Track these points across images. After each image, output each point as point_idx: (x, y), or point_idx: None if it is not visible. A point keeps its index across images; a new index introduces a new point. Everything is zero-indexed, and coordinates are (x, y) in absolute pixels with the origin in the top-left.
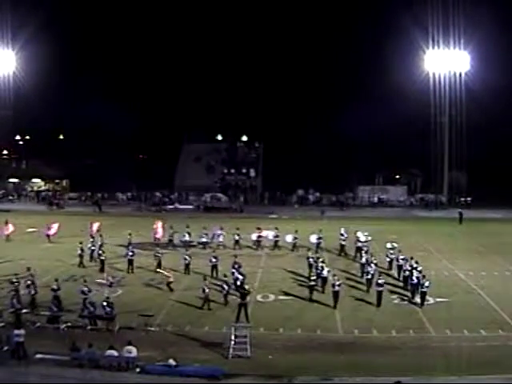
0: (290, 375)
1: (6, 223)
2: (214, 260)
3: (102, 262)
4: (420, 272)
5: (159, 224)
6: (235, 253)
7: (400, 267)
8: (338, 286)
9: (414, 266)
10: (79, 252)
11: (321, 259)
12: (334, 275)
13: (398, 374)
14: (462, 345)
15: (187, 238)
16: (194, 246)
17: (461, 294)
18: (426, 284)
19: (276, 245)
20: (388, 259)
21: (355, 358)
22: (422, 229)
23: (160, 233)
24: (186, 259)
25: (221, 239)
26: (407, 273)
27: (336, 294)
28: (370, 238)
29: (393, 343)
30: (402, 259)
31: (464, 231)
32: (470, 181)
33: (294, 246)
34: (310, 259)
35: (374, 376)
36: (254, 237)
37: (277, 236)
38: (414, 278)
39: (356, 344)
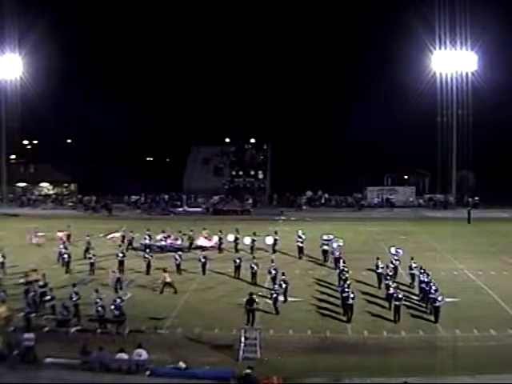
0: (300, 377)
1: None
2: (203, 260)
3: (92, 264)
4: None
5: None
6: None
7: (413, 276)
8: (352, 298)
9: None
10: (67, 259)
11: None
12: (349, 287)
13: (407, 375)
14: (472, 344)
15: (147, 241)
16: (153, 249)
17: (470, 293)
18: (440, 298)
19: (236, 248)
20: (392, 265)
21: (365, 359)
22: (431, 229)
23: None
24: (176, 259)
25: (178, 243)
26: (424, 285)
27: (350, 307)
28: (341, 243)
29: (403, 344)
30: (416, 267)
31: (473, 231)
32: (478, 180)
33: (251, 248)
34: (339, 270)
35: (383, 377)
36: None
37: (237, 239)
38: (432, 290)
39: (366, 345)
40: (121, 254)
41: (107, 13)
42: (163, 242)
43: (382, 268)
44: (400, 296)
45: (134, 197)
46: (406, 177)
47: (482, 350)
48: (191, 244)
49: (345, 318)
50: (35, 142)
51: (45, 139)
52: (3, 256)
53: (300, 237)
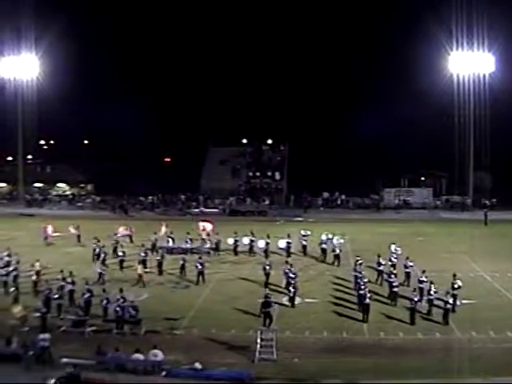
0: (316, 378)
1: None
2: (199, 266)
3: (121, 261)
4: (459, 288)
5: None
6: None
7: (408, 275)
8: (369, 298)
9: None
10: (103, 257)
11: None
12: (366, 287)
13: (423, 377)
14: (488, 346)
15: (170, 243)
16: (177, 251)
17: (486, 295)
18: (450, 301)
19: (251, 250)
20: (390, 263)
21: (381, 361)
22: (448, 230)
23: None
24: (182, 261)
25: (207, 246)
26: (424, 285)
27: (367, 308)
28: (342, 241)
29: (419, 345)
30: (411, 266)
31: (489, 233)
32: (495, 182)
33: (265, 252)
34: (354, 270)
35: (400, 378)
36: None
37: (252, 241)
38: (432, 292)
39: (382, 346)
40: (143, 254)
41: (124, 13)
42: (188, 245)
43: (384, 265)
44: (415, 299)
45: (142, 197)
46: (422, 178)
47: (499, 351)
48: (217, 246)
49: (361, 318)
50: (52, 142)
51: (61, 139)
52: (9, 255)
53: (304, 236)
